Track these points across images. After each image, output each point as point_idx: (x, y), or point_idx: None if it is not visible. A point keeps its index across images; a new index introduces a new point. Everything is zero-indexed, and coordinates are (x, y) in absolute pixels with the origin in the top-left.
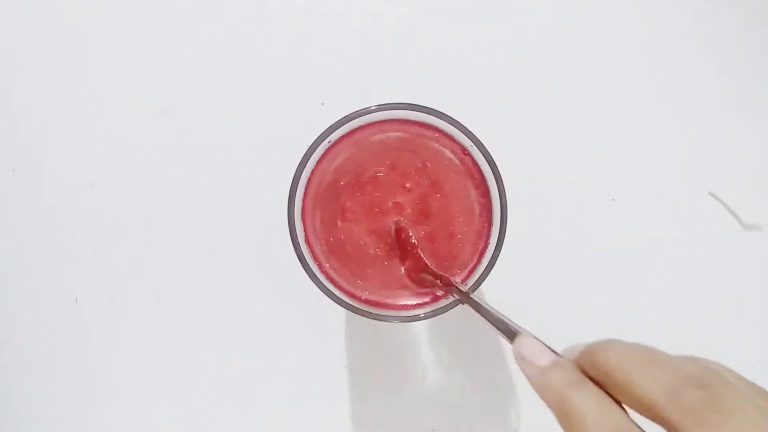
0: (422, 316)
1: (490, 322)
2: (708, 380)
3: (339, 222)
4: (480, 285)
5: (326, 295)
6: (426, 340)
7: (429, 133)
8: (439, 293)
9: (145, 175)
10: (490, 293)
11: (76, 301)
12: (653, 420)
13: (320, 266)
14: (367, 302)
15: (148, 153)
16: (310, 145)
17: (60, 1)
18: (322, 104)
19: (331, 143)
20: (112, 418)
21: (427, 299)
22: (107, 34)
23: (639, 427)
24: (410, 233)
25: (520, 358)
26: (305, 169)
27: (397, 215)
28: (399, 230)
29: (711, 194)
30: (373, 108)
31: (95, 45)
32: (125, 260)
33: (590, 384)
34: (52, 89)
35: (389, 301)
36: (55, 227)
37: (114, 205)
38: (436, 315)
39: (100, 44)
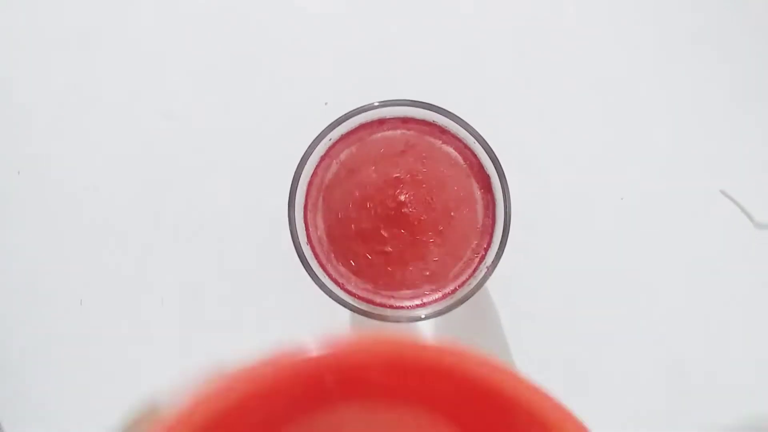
0: (423, 317)
1: None
2: None
3: (341, 221)
4: (484, 283)
5: (328, 296)
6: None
7: (432, 129)
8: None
9: (148, 176)
10: (493, 292)
11: (80, 303)
12: None
13: (322, 266)
14: (370, 302)
15: (152, 154)
16: (310, 143)
17: (64, 5)
18: (326, 104)
19: (332, 141)
20: (115, 420)
21: (432, 298)
22: (110, 37)
23: None
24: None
25: None
26: (306, 167)
27: (399, 212)
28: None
29: (722, 192)
30: (375, 105)
31: (99, 48)
32: (129, 262)
33: None
34: (56, 92)
35: (391, 301)
36: (59, 229)
37: (117, 207)
38: (438, 315)
39: (104, 47)
